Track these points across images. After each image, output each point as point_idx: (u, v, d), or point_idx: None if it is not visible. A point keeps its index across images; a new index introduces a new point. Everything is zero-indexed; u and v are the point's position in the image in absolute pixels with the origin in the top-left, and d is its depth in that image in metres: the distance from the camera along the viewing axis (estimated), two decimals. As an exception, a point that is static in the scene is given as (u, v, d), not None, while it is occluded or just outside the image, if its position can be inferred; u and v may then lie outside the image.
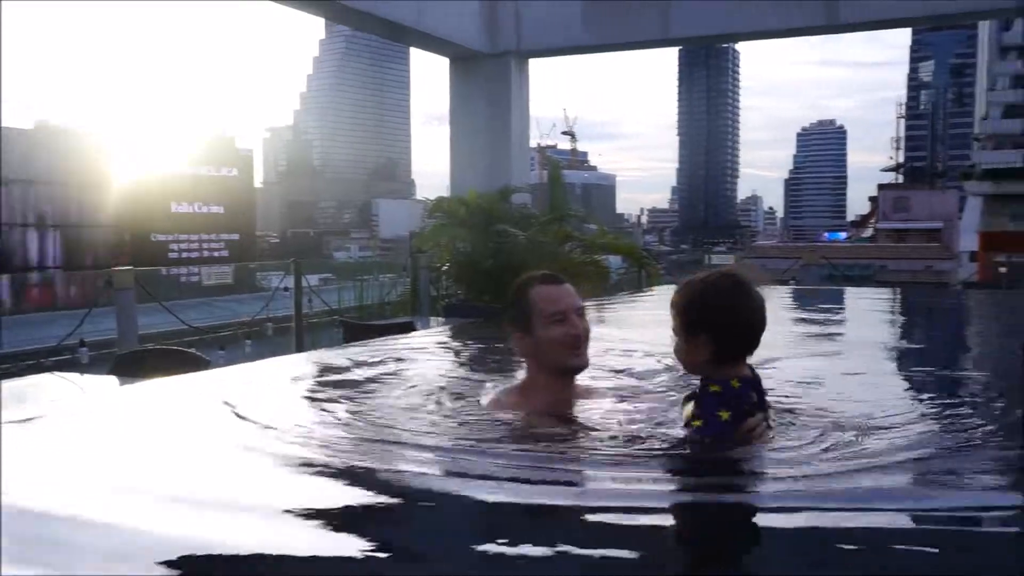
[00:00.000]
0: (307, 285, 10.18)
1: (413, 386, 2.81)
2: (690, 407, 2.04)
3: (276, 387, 3.03)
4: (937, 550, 1.40)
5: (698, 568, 1.42)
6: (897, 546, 1.43)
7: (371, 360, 3.68)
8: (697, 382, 2.10)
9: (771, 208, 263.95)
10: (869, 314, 6.50)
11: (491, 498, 1.72)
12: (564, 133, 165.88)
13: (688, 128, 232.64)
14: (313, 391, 2.85)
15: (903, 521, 1.56)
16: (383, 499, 1.73)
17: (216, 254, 24.91)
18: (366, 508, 1.65)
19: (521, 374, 2.56)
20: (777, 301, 6.39)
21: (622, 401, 2.45)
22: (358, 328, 6.48)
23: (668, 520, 1.65)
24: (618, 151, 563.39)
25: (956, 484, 1.79)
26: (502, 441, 2.12)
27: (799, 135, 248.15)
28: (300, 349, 8.91)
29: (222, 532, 1.48)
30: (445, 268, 10.76)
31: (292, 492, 1.74)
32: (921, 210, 61.64)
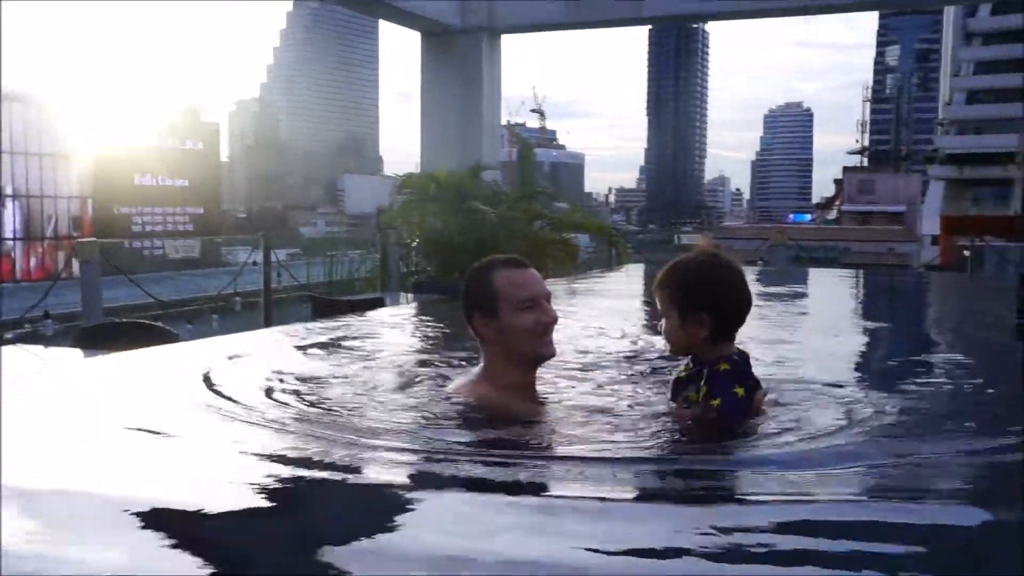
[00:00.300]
0: (276, 260, 10.08)
1: (388, 368, 2.78)
2: (692, 390, 2.04)
3: (245, 363, 3.01)
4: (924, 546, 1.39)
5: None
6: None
7: (341, 337, 3.66)
8: (672, 363, 2.11)
9: (738, 189, 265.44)
10: (843, 296, 6.59)
11: (495, 479, 1.71)
12: (533, 111, 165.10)
13: (657, 108, 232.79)
14: (280, 369, 2.82)
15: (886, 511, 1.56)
16: (336, 480, 1.68)
17: (181, 228, 24.48)
18: (321, 489, 1.62)
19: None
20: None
21: (583, 385, 2.43)
22: (327, 303, 6.45)
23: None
24: (587, 130, 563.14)
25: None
26: (484, 427, 2.09)
27: (766, 117, 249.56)
28: (268, 324, 8.84)
29: (184, 512, 1.45)
30: (415, 245, 10.72)
31: (252, 477, 1.70)
32: (885, 193, 62.40)
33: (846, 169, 79.93)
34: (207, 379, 2.48)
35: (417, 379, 2.61)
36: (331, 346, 3.39)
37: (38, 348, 3.74)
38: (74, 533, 1.34)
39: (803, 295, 7.05)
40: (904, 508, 1.55)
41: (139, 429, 2.01)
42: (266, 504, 1.54)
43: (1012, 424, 2.13)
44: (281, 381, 2.54)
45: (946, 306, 6.76)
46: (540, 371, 2.33)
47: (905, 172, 79.03)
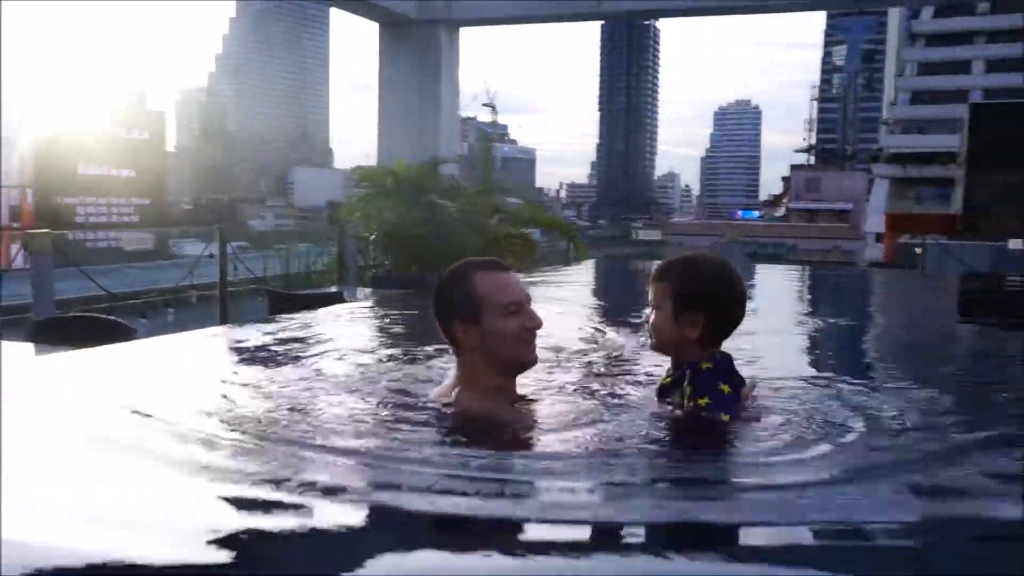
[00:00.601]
0: (231, 253, 9.89)
1: (354, 373, 2.64)
2: (677, 394, 2.01)
3: (204, 362, 2.94)
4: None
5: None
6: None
7: (300, 335, 3.56)
8: (655, 363, 2.07)
9: (687, 186, 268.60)
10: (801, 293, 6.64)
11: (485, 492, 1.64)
12: (485, 105, 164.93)
13: (608, 104, 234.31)
14: (237, 369, 2.69)
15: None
16: (304, 499, 1.53)
17: (126, 219, 23.91)
18: (281, 494, 1.51)
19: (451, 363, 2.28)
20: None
21: (567, 392, 2.34)
22: (283, 298, 6.30)
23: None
24: (539, 124, 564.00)
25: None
26: (468, 435, 2.00)
27: (716, 114, 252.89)
28: (224, 318, 8.65)
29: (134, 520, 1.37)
30: (372, 238, 10.59)
31: (211, 483, 1.59)
32: (831, 191, 63.70)
33: (793, 167, 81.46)
34: (160, 382, 2.37)
35: (391, 381, 2.49)
36: (293, 344, 3.29)
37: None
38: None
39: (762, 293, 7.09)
40: (901, 505, 1.53)
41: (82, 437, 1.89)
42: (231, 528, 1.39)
43: (1001, 423, 2.13)
44: (236, 384, 2.41)
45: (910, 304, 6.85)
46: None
47: (851, 171, 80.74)
